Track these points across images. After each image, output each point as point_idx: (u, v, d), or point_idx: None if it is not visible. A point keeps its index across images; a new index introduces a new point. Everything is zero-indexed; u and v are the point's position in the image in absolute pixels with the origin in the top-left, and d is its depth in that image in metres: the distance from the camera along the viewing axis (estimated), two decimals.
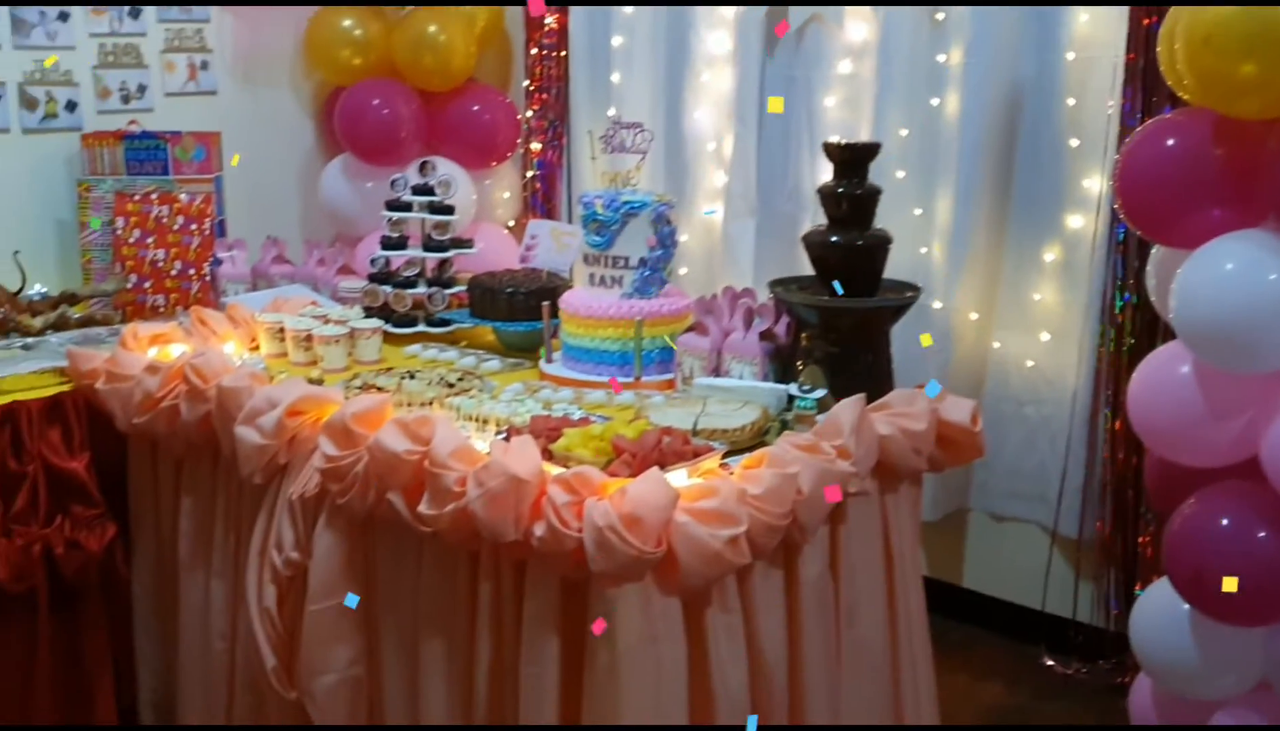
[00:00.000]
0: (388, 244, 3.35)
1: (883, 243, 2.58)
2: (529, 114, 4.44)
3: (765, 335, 2.66)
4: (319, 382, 2.81)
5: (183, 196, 3.70)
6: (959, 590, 3.70)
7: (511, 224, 4.55)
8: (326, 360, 3.01)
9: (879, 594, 2.46)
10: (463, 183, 3.49)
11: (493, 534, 2.03)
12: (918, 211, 3.49)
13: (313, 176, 4.46)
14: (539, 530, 2.00)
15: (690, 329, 2.79)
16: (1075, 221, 3.33)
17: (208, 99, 4.22)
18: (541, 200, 4.48)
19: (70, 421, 2.89)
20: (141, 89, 4.03)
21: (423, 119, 4.21)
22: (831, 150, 2.61)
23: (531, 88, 4.41)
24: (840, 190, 2.59)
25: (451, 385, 2.80)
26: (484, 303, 3.16)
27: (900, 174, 3.47)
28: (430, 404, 2.57)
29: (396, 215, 3.36)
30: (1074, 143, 3.27)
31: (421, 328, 3.31)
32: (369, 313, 3.26)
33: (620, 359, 2.83)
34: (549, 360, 2.99)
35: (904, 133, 3.48)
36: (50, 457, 2.86)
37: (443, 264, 3.35)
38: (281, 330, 3.12)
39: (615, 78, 4.15)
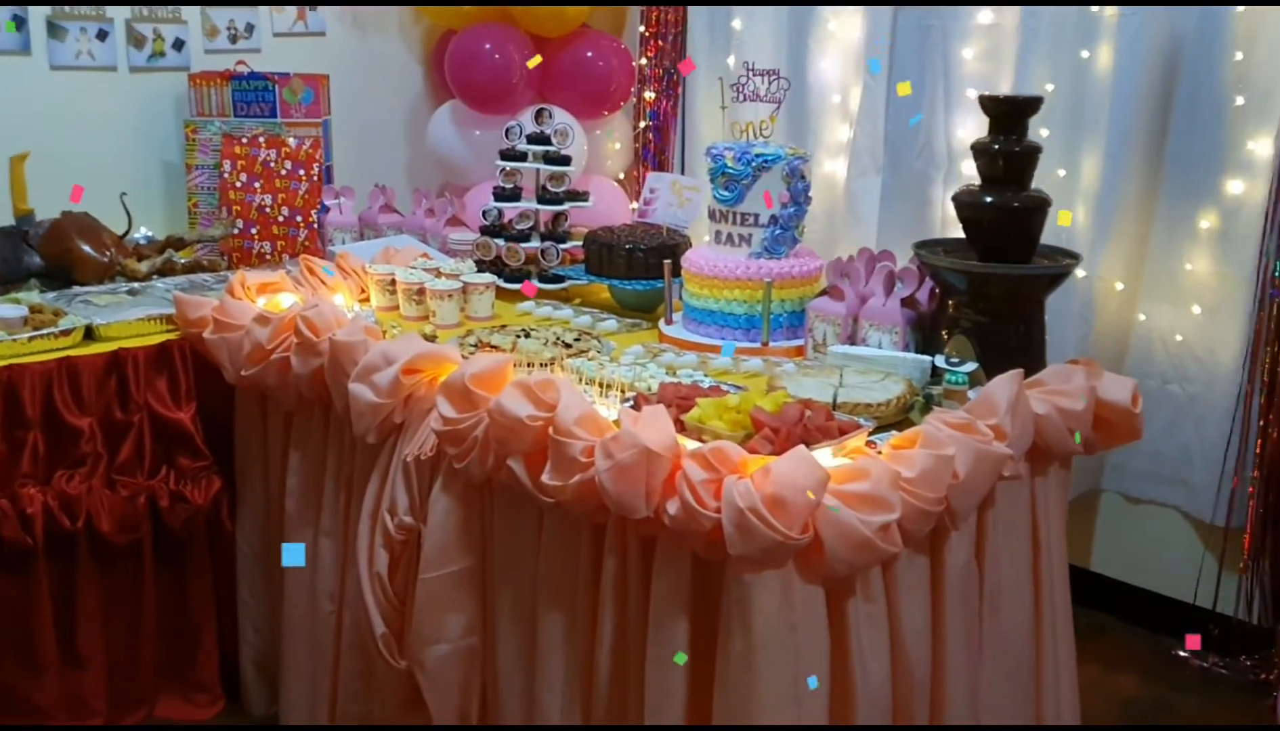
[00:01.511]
0: (500, 195, 3.22)
1: (1041, 205, 2.37)
2: (643, 61, 4.27)
3: (907, 302, 2.48)
4: (432, 338, 2.70)
5: (291, 141, 3.61)
6: (1088, 574, 3.49)
7: (622, 176, 4.40)
8: (439, 315, 2.89)
9: (1024, 583, 2.28)
10: (576, 132, 3.35)
11: (622, 508, 1.90)
12: (1061, 172, 3.26)
13: (420, 123, 4.35)
14: (672, 507, 1.86)
15: (823, 292, 2.62)
16: (1235, 186, 3.07)
17: (316, 41, 4.13)
18: (654, 152, 4.32)
19: (177, 370, 2.82)
20: (250, 28, 3.94)
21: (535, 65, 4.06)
22: (988, 103, 2.40)
23: (647, 34, 4.23)
24: (996, 147, 2.39)
25: (569, 345, 2.67)
26: (600, 259, 3.02)
27: (1044, 132, 3.23)
28: (549, 365, 2.45)
29: (510, 165, 3.22)
30: (1239, 101, 3.00)
31: (535, 283, 3.17)
32: (481, 266, 3.14)
33: (746, 322, 2.67)
34: (669, 321, 2.85)
35: (1049, 87, 3.24)
36: (156, 407, 2.79)
37: (557, 217, 3.21)
38: (393, 282, 3.01)
39: (736, 24, 3.95)
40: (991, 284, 2.36)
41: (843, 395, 2.21)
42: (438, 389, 2.22)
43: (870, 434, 2.05)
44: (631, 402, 2.17)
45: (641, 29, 4.24)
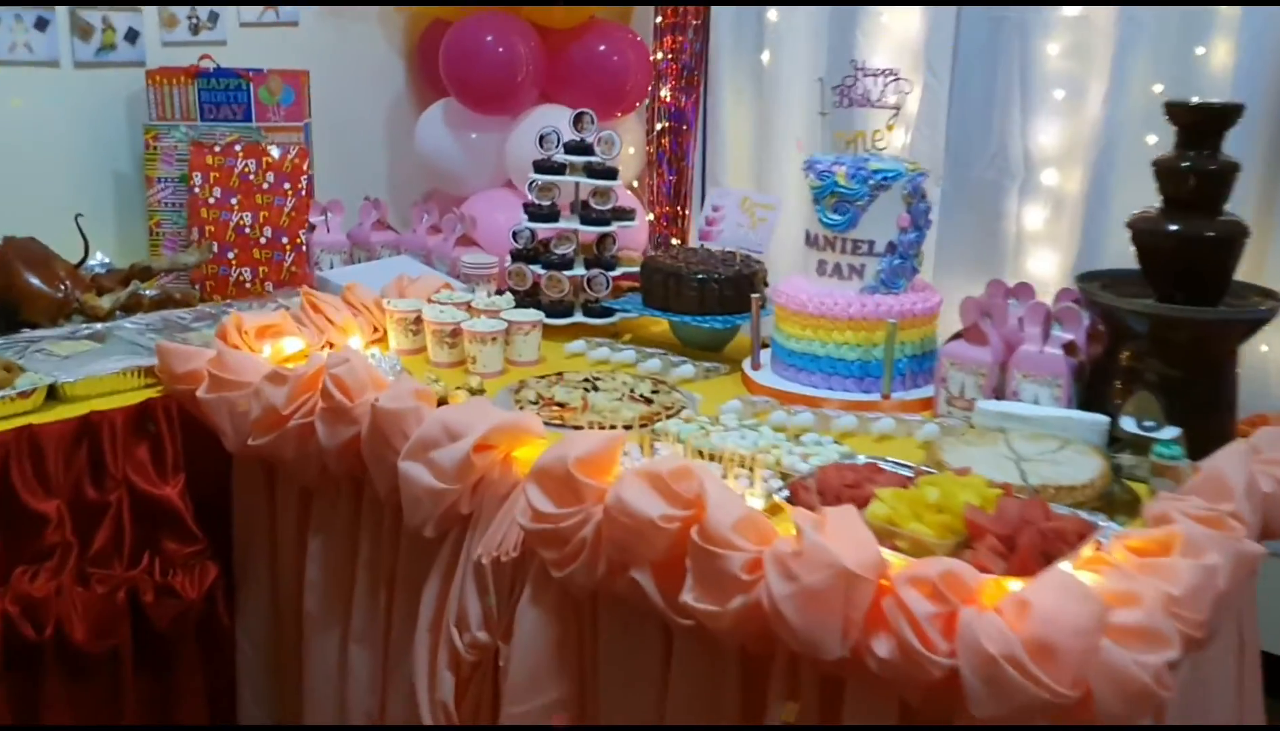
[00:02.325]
0: (536, 214, 2.74)
1: (1240, 233, 1.98)
2: (658, 56, 3.81)
3: (1068, 348, 2.07)
4: (479, 392, 2.22)
5: (273, 150, 3.08)
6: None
7: (636, 184, 3.93)
8: (481, 361, 2.42)
9: (1228, 687, 1.90)
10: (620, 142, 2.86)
11: (808, 645, 1.46)
12: None
13: (402, 125, 3.83)
14: (883, 648, 1.42)
15: (957, 335, 2.20)
16: None
17: (287, 32, 3.59)
18: (669, 158, 3.86)
19: (162, 435, 2.30)
20: (213, 18, 3.39)
21: (541, 59, 3.58)
22: (1178, 112, 2.00)
23: (663, 24, 3.77)
24: (1186, 164, 1.99)
25: (647, 400, 2.22)
26: (665, 290, 2.56)
27: (1152, 139, 2.86)
28: (634, 427, 1.99)
29: (546, 178, 2.75)
30: None
31: (578, 317, 2.71)
32: (515, 298, 2.66)
33: (860, 369, 2.24)
34: (756, 365, 2.40)
35: (1157, 89, 2.86)
36: (137, 482, 2.27)
37: (603, 240, 2.75)
38: (417, 320, 2.52)
39: (772, 15, 3.51)
40: (1182, 329, 1.96)
41: (1029, 472, 1.79)
42: (529, 475, 1.75)
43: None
44: (786, 493, 1.72)
45: (658, 19, 3.77)
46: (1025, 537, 1.50)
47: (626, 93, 3.74)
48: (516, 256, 2.76)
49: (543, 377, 2.36)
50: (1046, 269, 3.15)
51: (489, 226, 3.33)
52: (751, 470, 1.83)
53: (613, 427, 2.06)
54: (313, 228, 3.16)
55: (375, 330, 2.64)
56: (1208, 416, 1.96)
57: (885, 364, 2.19)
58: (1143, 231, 2.03)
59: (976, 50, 3.17)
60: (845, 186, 2.20)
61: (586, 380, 2.32)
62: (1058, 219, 3.12)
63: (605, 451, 1.73)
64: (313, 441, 2.07)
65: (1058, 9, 3.04)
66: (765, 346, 2.40)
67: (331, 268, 3.17)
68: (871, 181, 2.19)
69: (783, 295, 2.33)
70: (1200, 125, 1.97)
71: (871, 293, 2.25)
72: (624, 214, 2.78)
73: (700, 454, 1.88)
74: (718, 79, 3.70)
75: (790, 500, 1.67)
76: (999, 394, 2.11)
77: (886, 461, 1.80)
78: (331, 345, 2.51)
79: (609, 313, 2.70)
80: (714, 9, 3.66)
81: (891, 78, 2.29)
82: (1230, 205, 2.77)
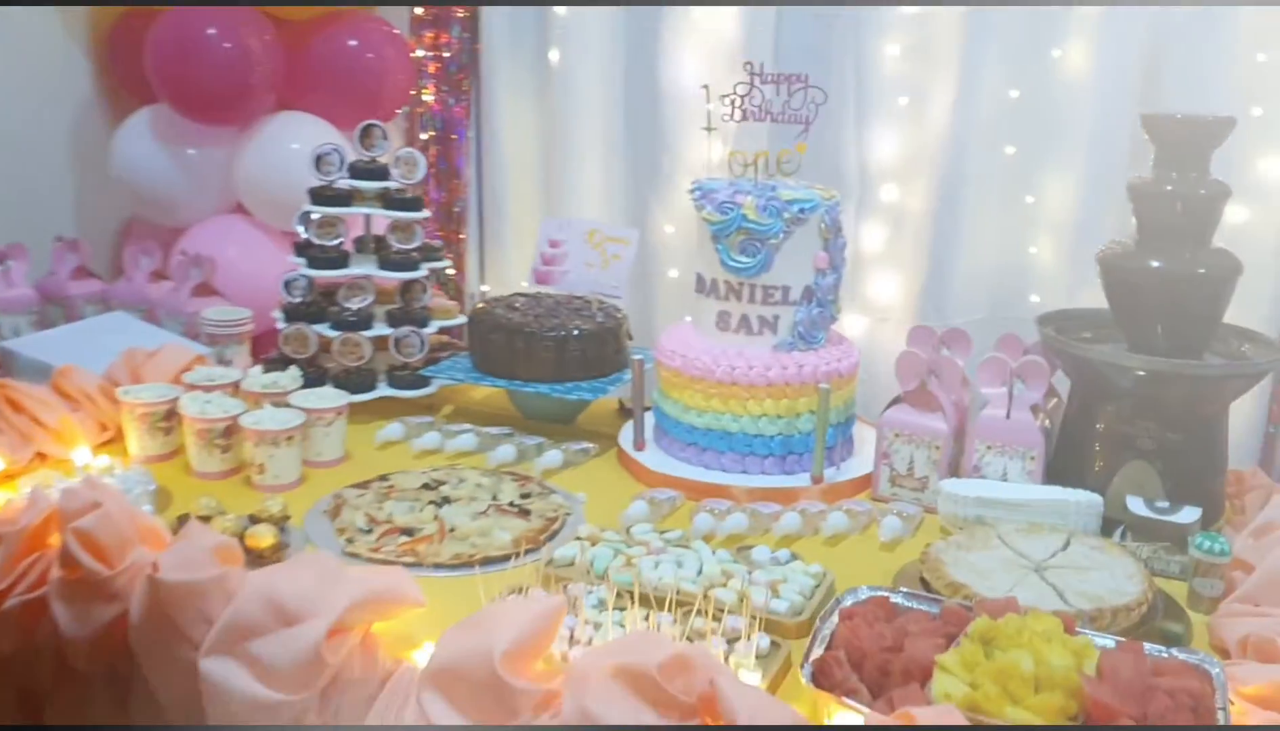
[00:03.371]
0: (318, 258, 2.10)
1: (1233, 270, 1.67)
2: (419, 53, 3.20)
3: (1034, 410, 1.71)
4: (284, 521, 1.59)
5: None
6: None
7: None
8: (272, 470, 1.77)
9: None
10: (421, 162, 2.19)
11: None
12: (1029, 198, 2.62)
13: (92, 140, 3.03)
14: None
15: (896, 400, 1.78)
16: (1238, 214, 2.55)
17: None
18: (437, 174, 3.26)
19: None
20: None
21: (278, 57, 2.89)
22: (1157, 124, 1.67)
23: (423, 15, 3.17)
24: (1169, 187, 1.66)
25: (523, 510, 1.67)
26: (505, 352, 2.00)
27: (1010, 150, 2.58)
28: (519, 554, 1.44)
29: (327, 212, 2.11)
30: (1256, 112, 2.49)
31: (384, 390, 2.10)
32: (293, 368, 2.01)
33: (781, 446, 1.79)
34: (640, 445, 1.90)
35: (1014, 95, 2.58)
36: None
37: (409, 287, 2.14)
38: (171, 415, 1.84)
39: (561, 10, 3.00)
40: (1178, 385, 1.63)
41: (1063, 588, 1.40)
42: (426, 678, 1.17)
43: None
44: (810, 671, 1.22)
45: (417, 10, 3.17)
46: (1156, 708, 1.09)
47: (383, 97, 3.10)
48: (293, 314, 2.11)
49: (363, 488, 1.75)
50: (889, 293, 2.83)
51: (226, 267, 2.63)
52: (716, 617, 1.33)
53: (489, 560, 1.51)
54: None
55: (104, 428, 1.92)
56: (1202, 484, 1.65)
57: (818, 439, 1.75)
58: (1116, 267, 1.70)
59: (802, 50, 2.79)
60: (755, 221, 1.74)
61: (427, 486, 1.74)
62: (898, 238, 2.80)
63: (542, 632, 1.17)
64: (45, 627, 1.38)
65: (897, 8, 2.72)
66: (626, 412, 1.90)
67: (18, 335, 2.38)
68: (786, 214, 1.74)
69: (675, 357, 1.83)
70: (1185, 142, 1.65)
71: (788, 349, 1.80)
72: (433, 252, 2.19)
73: (631, 598, 1.36)
74: (493, 81, 3.14)
75: (818, 681, 1.18)
76: (956, 470, 1.72)
77: (898, 593, 1.35)
78: (43, 458, 1.80)
79: (423, 381, 2.11)
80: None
81: (799, 85, 1.83)
82: (1087, 219, 2.57)
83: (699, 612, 1.33)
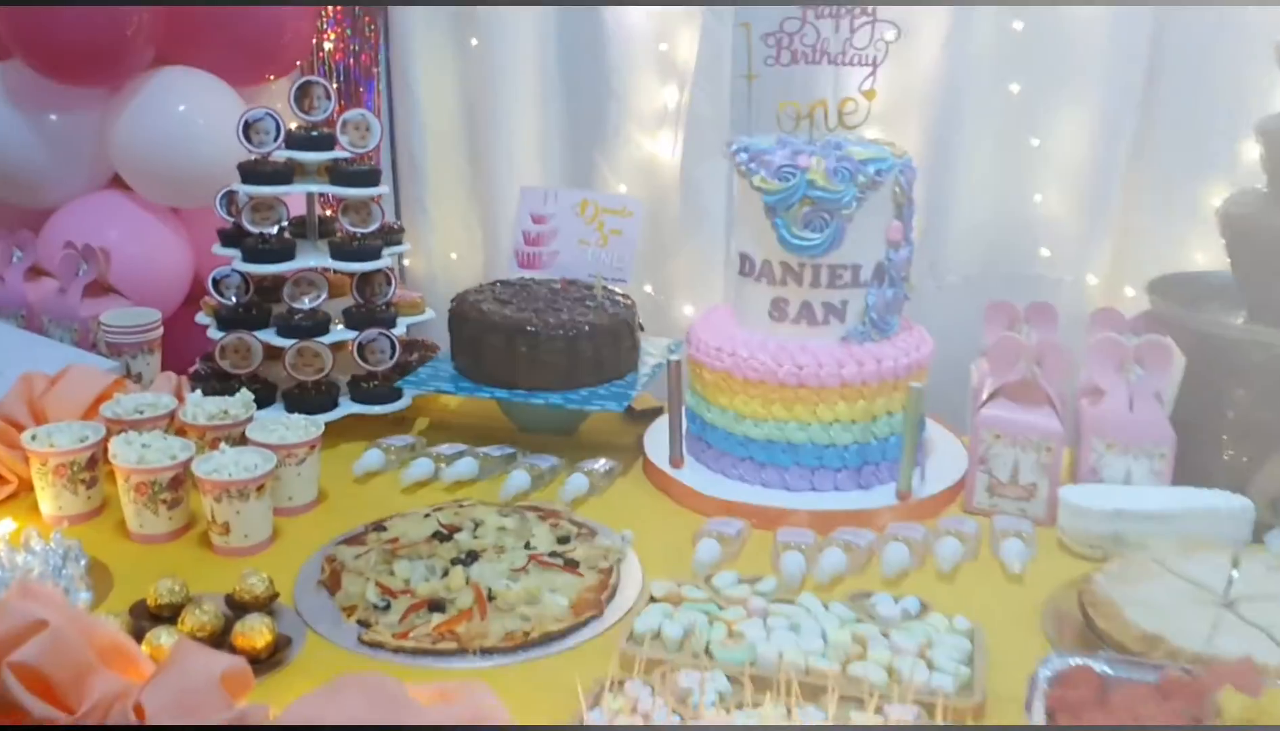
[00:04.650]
0: (257, 250, 1.71)
1: None
2: None
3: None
4: (272, 599, 1.24)
5: None
6: None
7: None
8: (240, 528, 1.40)
9: None
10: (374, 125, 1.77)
11: None
12: (1034, 141, 2.37)
13: None
14: None
15: (994, 395, 1.52)
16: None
17: None
18: None
19: None
20: None
21: (155, 6, 2.43)
22: None
23: None
24: None
25: (570, 562, 1.35)
26: (503, 354, 1.66)
27: (1015, 87, 2.33)
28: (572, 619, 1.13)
29: (263, 191, 1.72)
30: None
31: (348, 406, 1.73)
32: (243, 390, 1.63)
33: (857, 458, 1.51)
34: (678, 461, 1.59)
35: (1017, 26, 2.32)
36: None
37: (367, 280, 1.77)
38: (92, 463, 1.45)
39: None
40: None
41: (1263, 622, 1.16)
42: None
43: None
44: None
45: None
46: None
47: (282, 47, 2.66)
48: (231, 319, 1.71)
49: (358, 543, 1.40)
50: None
51: (117, 257, 2.19)
52: (878, 706, 1.05)
53: (549, 637, 1.19)
54: None
55: (3, 481, 1.51)
56: None
57: (906, 448, 1.47)
58: (1245, 221, 1.46)
59: None
60: (825, 188, 1.43)
61: (440, 535, 1.40)
62: None
63: None
64: None
65: None
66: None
67: None
68: (860, 177, 1.44)
69: (723, 356, 1.52)
70: None
71: (859, 340, 1.51)
72: (393, 235, 1.82)
73: (746, 682, 1.06)
74: (404, 22, 2.73)
75: None
76: (1073, 475, 1.47)
77: (1099, 660, 1.09)
78: None
79: (395, 394, 1.74)
80: None
81: (865, 19, 1.52)
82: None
83: (846, 699, 1.05)
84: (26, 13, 2.29)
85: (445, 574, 1.31)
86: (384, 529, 1.43)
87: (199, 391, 1.60)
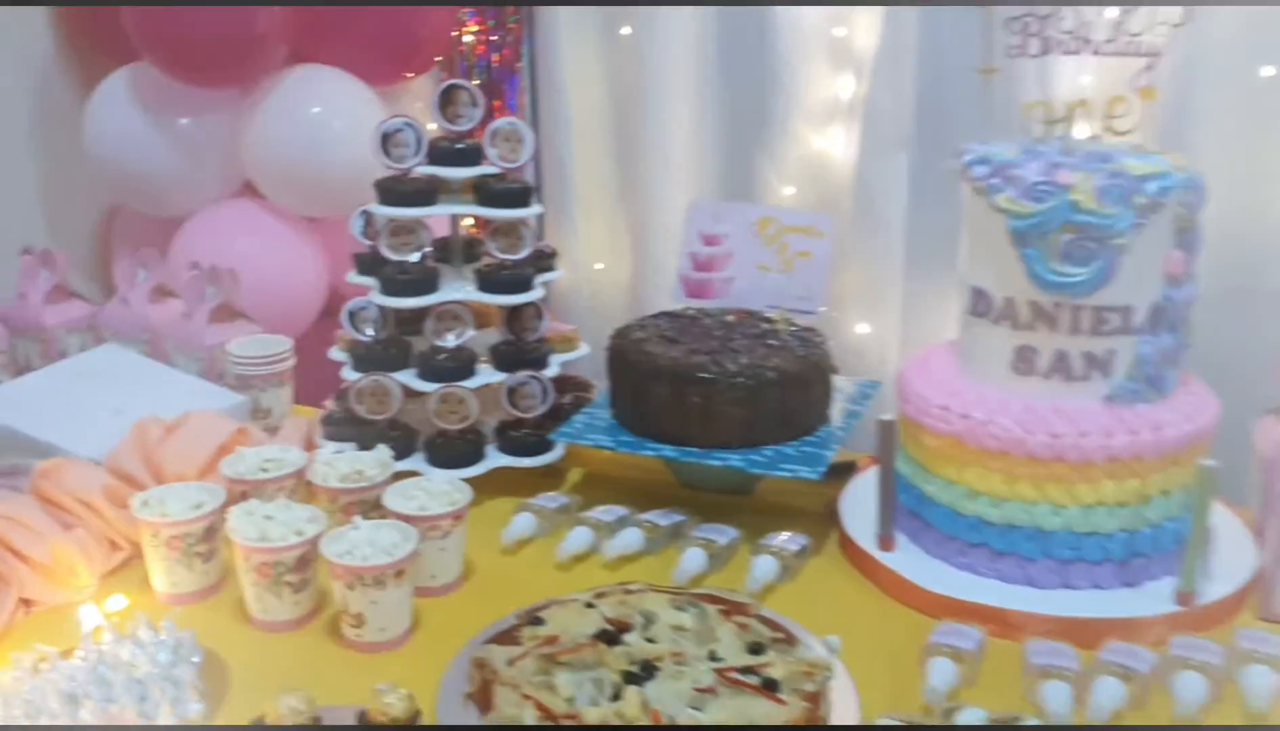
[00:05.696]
0: (395, 280, 1.49)
1: None
2: None
3: None
4: (403, 726, 1.01)
5: None
6: None
7: None
8: (376, 619, 1.18)
9: None
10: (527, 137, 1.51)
11: None
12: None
13: (56, 116, 2.39)
14: None
15: None
16: None
17: None
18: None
19: None
20: None
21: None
22: None
23: None
24: None
25: (768, 683, 1.09)
26: (666, 404, 1.40)
27: (1268, 71, 1.97)
28: None
29: (405, 213, 1.50)
30: None
31: (495, 459, 1.50)
32: (383, 447, 1.41)
33: (1124, 549, 1.21)
34: (888, 543, 1.32)
35: None
36: None
37: (518, 314, 1.54)
38: (209, 534, 1.25)
39: None
40: None
41: None
42: None
43: None
44: None
45: None
46: None
47: (421, 42, 2.47)
48: (367, 359, 1.50)
49: (511, 642, 1.16)
50: None
51: (240, 270, 2.01)
52: None
53: None
54: None
55: (114, 547, 1.33)
56: None
57: (1193, 541, 1.17)
58: None
59: None
60: (1094, 211, 1.14)
61: (605, 635, 1.15)
62: None
63: None
64: None
65: None
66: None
67: None
68: (1138, 198, 1.14)
69: (951, 416, 1.24)
70: None
71: (1129, 400, 1.21)
72: (544, 261, 1.58)
73: None
74: (550, 12, 2.50)
75: None
76: None
77: None
78: (26, 607, 1.21)
79: (546, 444, 1.51)
80: None
81: None
82: None
83: None
84: (154, 11, 2.14)
85: (616, 695, 1.07)
86: (540, 622, 1.19)
87: (330, 445, 1.39)
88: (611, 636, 1.17)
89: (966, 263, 1.29)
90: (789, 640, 1.17)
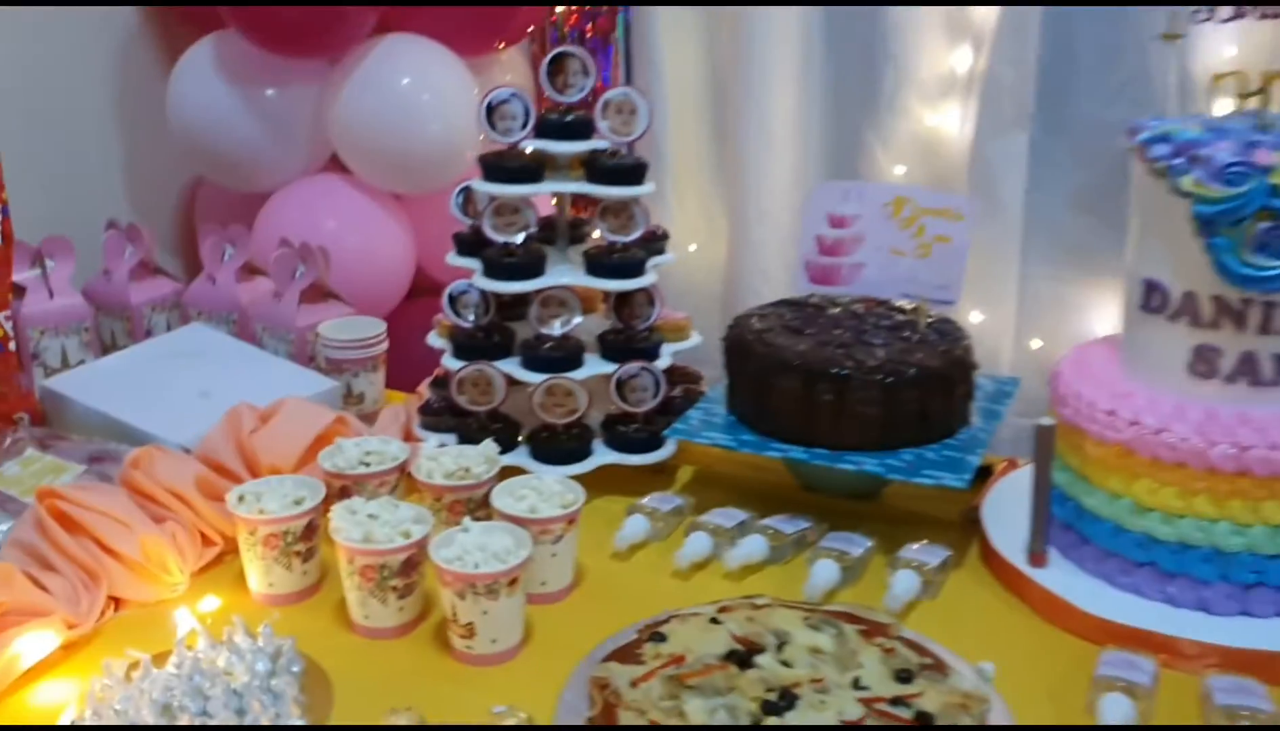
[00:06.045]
0: (499, 263, 1.40)
1: None
2: None
3: None
4: None
5: None
6: None
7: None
8: (486, 631, 1.09)
9: None
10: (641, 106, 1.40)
11: None
12: None
13: (139, 87, 2.33)
14: None
15: None
16: None
17: None
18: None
19: None
20: None
21: None
22: None
23: None
24: None
25: (922, 717, 0.98)
26: (792, 402, 1.29)
27: None
28: None
29: (511, 192, 1.40)
30: None
31: (602, 455, 1.41)
32: (489, 442, 1.32)
33: None
34: (1039, 558, 1.20)
35: None
36: None
37: (627, 301, 1.44)
38: (309, 532, 1.17)
39: None
40: None
41: None
42: None
43: None
44: None
45: None
46: None
47: (514, 11, 2.37)
48: (469, 346, 1.41)
49: (633, 660, 1.07)
50: None
51: (335, 249, 1.93)
52: None
53: None
54: (21, 292, 1.69)
55: (207, 542, 1.25)
56: None
57: None
58: None
59: None
60: None
61: (736, 656, 1.06)
62: None
63: None
64: None
65: None
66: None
67: (67, 364, 1.72)
68: None
69: (1119, 423, 1.12)
70: None
71: None
72: (656, 243, 1.48)
73: None
74: None
75: None
76: None
77: None
78: (115, 607, 1.15)
79: (658, 441, 1.41)
80: None
81: None
82: None
83: None
84: None
85: (753, 724, 0.97)
86: (662, 638, 1.10)
87: (430, 437, 1.30)
88: (743, 658, 1.07)
89: (1135, 252, 1.17)
90: (938, 667, 1.07)
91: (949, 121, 2.19)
